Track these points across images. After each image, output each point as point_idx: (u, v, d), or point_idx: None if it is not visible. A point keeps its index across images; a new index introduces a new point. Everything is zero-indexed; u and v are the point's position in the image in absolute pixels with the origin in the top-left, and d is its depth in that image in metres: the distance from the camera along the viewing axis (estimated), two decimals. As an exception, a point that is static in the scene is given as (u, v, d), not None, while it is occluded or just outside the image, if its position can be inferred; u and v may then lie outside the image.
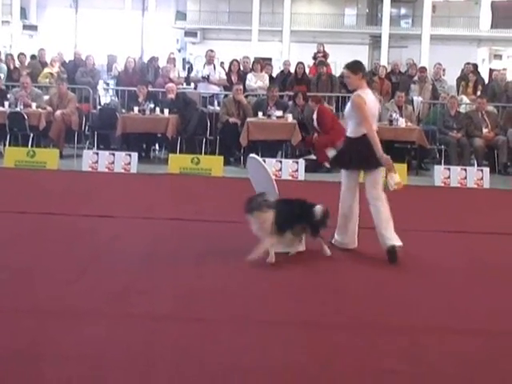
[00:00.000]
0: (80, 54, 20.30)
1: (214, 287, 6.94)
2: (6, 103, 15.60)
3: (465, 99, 17.55)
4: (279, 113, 15.27)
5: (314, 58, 19.46)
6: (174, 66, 19.36)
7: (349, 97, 16.54)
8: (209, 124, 15.74)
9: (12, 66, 19.10)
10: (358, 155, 8.07)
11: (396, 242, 7.90)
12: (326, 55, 20.05)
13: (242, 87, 16.14)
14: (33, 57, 20.87)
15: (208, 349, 5.39)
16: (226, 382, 4.91)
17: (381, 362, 5.29)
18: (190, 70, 19.65)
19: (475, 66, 20.70)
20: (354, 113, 8.10)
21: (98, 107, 17.36)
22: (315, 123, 14.98)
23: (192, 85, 18.52)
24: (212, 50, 18.35)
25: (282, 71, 19.06)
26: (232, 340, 5.62)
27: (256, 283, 7.16)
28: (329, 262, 7.98)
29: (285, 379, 4.96)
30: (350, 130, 8.20)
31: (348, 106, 8.36)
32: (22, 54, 20.02)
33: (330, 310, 6.41)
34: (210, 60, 17.88)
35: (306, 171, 14.04)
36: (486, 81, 19.99)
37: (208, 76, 17.47)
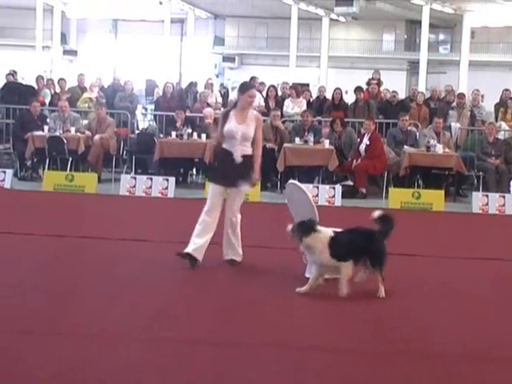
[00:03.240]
0: (119, 79, 20.49)
1: (249, 312, 6.94)
2: (46, 127, 15.76)
3: (503, 125, 17.41)
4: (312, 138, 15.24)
5: (368, 83, 19.47)
6: (212, 91, 19.48)
7: (387, 123, 16.80)
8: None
9: (53, 91, 19.33)
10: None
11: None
12: (379, 82, 20.03)
13: (279, 113, 16.17)
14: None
15: (242, 374, 5.39)
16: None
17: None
18: (226, 94, 19.75)
19: (510, 92, 20.51)
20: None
21: (136, 132, 17.47)
22: (362, 147, 14.84)
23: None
24: (254, 77, 18.41)
25: (318, 97, 19.10)
26: (266, 366, 5.61)
27: (293, 309, 7.14)
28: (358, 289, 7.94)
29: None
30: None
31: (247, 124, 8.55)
32: (62, 79, 20.22)
33: (367, 338, 6.38)
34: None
35: (342, 197, 14.02)
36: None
37: None
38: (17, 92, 18.42)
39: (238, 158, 8.48)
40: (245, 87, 8.73)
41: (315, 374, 5.46)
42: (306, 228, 7.53)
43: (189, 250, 8.36)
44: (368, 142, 14.86)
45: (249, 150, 8.58)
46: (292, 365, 5.66)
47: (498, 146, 15.42)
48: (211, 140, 8.77)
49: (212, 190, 8.63)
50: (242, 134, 8.46)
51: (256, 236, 10.45)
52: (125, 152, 16.45)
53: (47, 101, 18.47)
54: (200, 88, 20.40)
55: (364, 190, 14.79)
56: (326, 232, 7.56)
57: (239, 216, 8.59)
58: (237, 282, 7.97)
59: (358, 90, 18.14)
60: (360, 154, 14.90)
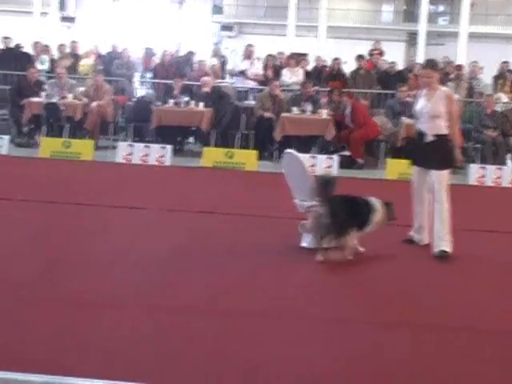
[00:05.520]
0: (117, 47, 20.39)
1: (242, 281, 6.95)
2: (43, 94, 15.71)
3: (502, 97, 17.38)
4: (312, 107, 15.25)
5: (370, 54, 19.40)
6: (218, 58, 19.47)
7: (385, 93, 16.78)
8: (244, 118, 15.74)
9: (49, 58, 19.23)
10: (441, 154, 8.15)
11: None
12: (381, 52, 19.94)
13: (278, 82, 16.16)
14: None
15: (233, 342, 5.40)
16: (251, 377, 4.90)
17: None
18: (224, 63, 19.68)
19: (508, 64, 20.41)
20: (447, 109, 8.09)
21: (134, 99, 17.42)
22: (348, 119, 14.95)
23: (227, 78, 18.54)
24: (251, 45, 18.36)
25: (316, 67, 19.05)
26: (259, 334, 5.62)
27: (290, 279, 7.15)
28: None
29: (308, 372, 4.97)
30: (438, 128, 8.13)
31: (434, 102, 8.14)
32: (62, 45, 20.10)
33: (366, 308, 6.41)
34: (248, 55, 17.91)
35: (340, 167, 14.01)
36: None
37: (244, 70, 17.48)
38: (13, 58, 18.33)
39: (429, 137, 8.19)
40: (422, 67, 8.48)
41: (308, 343, 5.47)
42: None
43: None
44: (350, 114, 14.91)
45: (442, 129, 8.17)
46: (284, 334, 5.67)
47: (496, 119, 15.40)
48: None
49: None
50: (429, 110, 8.14)
51: (253, 205, 10.48)
52: (122, 119, 16.41)
53: (44, 67, 18.39)
54: (198, 56, 20.31)
55: (361, 161, 14.80)
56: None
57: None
58: (231, 251, 7.97)
59: (359, 58, 18.10)
60: (350, 125, 14.95)
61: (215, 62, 18.99)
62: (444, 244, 8.04)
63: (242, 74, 17.49)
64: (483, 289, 7.16)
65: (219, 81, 17.94)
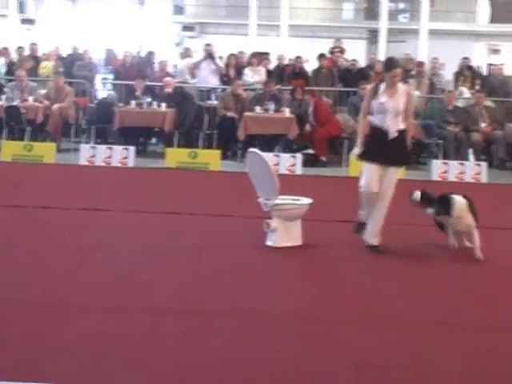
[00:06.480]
0: (78, 49, 20.26)
1: (210, 280, 6.94)
2: (3, 97, 15.57)
3: (465, 91, 17.52)
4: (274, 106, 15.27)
5: (331, 52, 19.47)
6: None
7: (347, 91, 16.83)
8: (207, 118, 15.71)
9: (8, 60, 19.07)
10: (403, 149, 8.22)
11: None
12: (342, 50, 20.00)
13: (241, 82, 16.17)
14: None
15: (205, 342, 5.39)
16: (223, 375, 4.89)
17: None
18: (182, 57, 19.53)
19: (469, 60, 20.61)
20: (406, 106, 8.15)
21: (95, 101, 17.32)
22: (311, 117, 14.99)
23: (189, 79, 18.43)
24: (209, 44, 18.33)
25: (278, 65, 19.08)
26: (228, 333, 5.62)
27: (254, 277, 7.16)
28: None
29: (278, 372, 4.97)
30: (396, 124, 8.15)
31: (398, 99, 8.15)
32: (20, 47, 19.92)
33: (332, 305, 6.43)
34: (208, 54, 17.88)
35: (304, 166, 14.04)
36: (486, 75, 19.95)
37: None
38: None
39: (393, 134, 8.16)
40: (388, 66, 8.36)
41: (279, 340, 5.47)
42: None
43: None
44: (312, 112, 14.96)
45: (402, 125, 8.21)
46: (251, 333, 5.67)
47: (457, 114, 15.50)
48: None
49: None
50: (395, 107, 8.10)
51: (218, 205, 10.46)
52: (84, 121, 16.31)
53: (2, 70, 18.22)
54: (160, 57, 20.25)
55: (324, 159, 14.84)
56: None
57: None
58: (197, 251, 7.96)
59: (321, 57, 18.16)
60: (312, 123, 14.99)
61: (190, 61, 18.77)
62: (376, 240, 8.17)
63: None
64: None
65: (181, 80, 17.85)
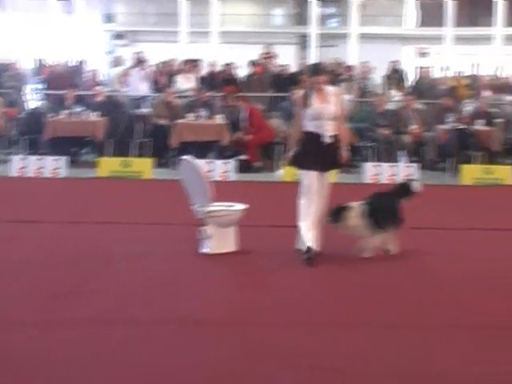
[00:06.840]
0: (6, 59, 19.98)
1: (146, 289, 6.90)
2: None
3: (395, 94, 17.73)
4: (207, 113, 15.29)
5: (262, 58, 19.49)
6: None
7: (280, 97, 16.89)
8: (139, 126, 15.63)
9: None
10: (337, 154, 8.16)
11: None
12: (272, 56, 19.99)
13: (173, 89, 16.16)
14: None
15: (143, 351, 5.35)
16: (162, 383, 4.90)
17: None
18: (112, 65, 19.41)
19: (398, 63, 20.85)
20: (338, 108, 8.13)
21: (25, 112, 17.10)
22: (245, 123, 15.03)
23: (120, 88, 18.31)
24: (139, 52, 18.29)
25: (210, 72, 19.07)
26: (167, 341, 5.59)
27: (190, 284, 7.15)
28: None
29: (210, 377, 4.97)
30: (331, 129, 8.08)
31: (330, 103, 8.08)
32: None
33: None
34: (137, 62, 17.82)
35: (237, 171, 14.07)
36: (415, 78, 20.20)
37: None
38: None
39: (328, 139, 8.08)
40: (312, 72, 8.24)
41: (214, 346, 5.47)
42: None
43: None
44: (245, 118, 15.04)
45: (335, 130, 8.11)
46: (183, 340, 5.65)
47: (388, 117, 15.71)
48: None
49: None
50: (330, 112, 8.03)
51: (151, 213, 10.43)
52: (15, 132, 16.09)
53: None
54: (90, 66, 20.07)
55: (258, 164, 14.90)
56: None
57: None
58: (132, 260, 7.91)
59: (252, 63, 18.22)
60: (247, 129, 15.05)
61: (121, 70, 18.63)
62: (310, 240, 8.01)
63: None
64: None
65: (112, 89, 17.75)
